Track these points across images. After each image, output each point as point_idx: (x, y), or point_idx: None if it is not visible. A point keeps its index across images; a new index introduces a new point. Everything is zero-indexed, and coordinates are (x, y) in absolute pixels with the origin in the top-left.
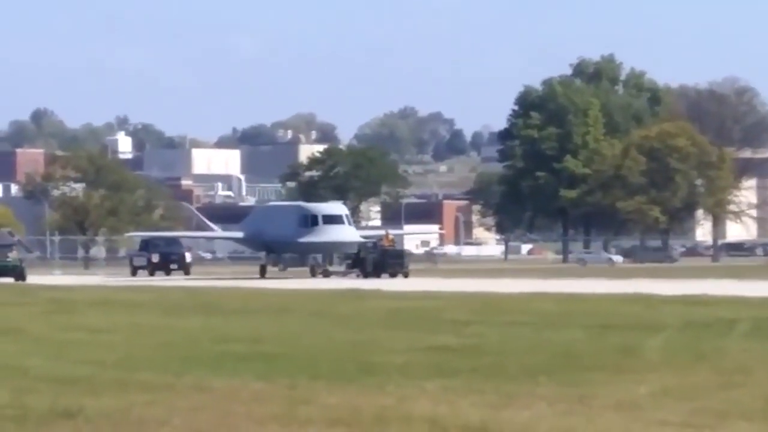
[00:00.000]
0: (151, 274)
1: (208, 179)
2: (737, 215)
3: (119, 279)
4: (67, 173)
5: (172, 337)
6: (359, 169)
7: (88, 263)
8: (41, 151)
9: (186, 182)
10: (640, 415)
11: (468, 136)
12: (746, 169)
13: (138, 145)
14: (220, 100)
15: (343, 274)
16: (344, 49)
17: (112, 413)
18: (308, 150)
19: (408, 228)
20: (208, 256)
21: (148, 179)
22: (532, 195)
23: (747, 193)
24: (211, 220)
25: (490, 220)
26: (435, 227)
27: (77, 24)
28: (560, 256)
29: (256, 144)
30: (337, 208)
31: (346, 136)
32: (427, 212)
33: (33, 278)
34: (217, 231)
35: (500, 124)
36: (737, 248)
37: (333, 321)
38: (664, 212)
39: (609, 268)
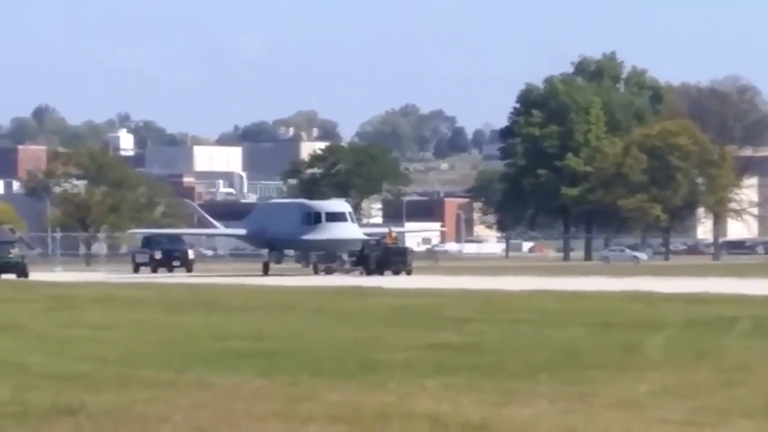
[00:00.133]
0: (154, 271)
1: (210, 176)
2: (738, 213)
3: (121, 276)
4: (68, 170)
5: (173, 334)
6: (361, 166)
7: (89, 260)
8: (43, 148)
9: (187, 179)
10: (641, 414)
11: (469, 133)
12: (747, 167)
13: (139, 143)
14: (221, 97)
15: (346, 272)
16: (346, 47)
17: (114, 410)
18: (310, 147)
19: (409, 225)
20: (210, 253)
21: (150, 176)
22: (534, 193)
23: (748, 191)
24: (212, 218)
25: (492, 218)
26: (436, 225)
27: (79, 22)
28: (561, 254)
29: (258, 141)
30: (340, 205)
31: (347, 134)
32: (428, 210)
33: (34, 275)
34: (220, 228)
35: (502, 121)
36: (738, 246)
37: (335, 318)
38: (665, 210)
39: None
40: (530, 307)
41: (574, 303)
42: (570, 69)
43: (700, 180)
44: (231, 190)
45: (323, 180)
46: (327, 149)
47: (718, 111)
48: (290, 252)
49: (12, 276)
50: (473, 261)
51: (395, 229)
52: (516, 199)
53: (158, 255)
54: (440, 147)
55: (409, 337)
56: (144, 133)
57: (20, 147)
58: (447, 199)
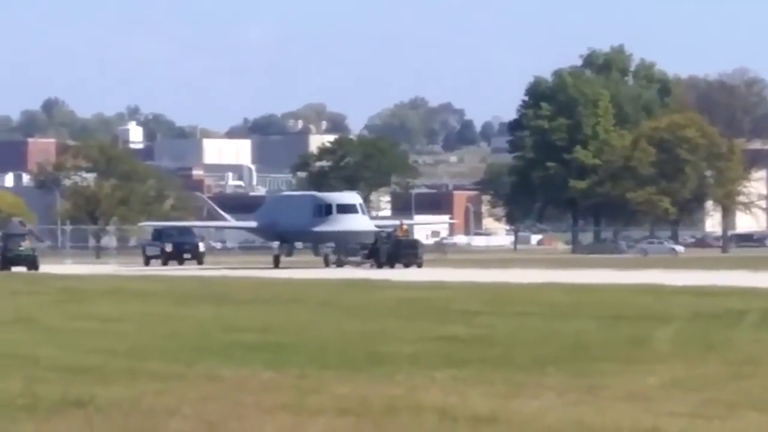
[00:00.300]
0: (165, 263)
1: (219, 169)
2: (747, 206)
3: (131, 268)
4: (78, 163)
5: (182, 327)
6: (369, 159)
7: (99, 253)
8: (52, 140)
9: (197, 172)
10: (650, 406)
11: (478, 126)
12: (756, 160)
13: (149, 135)
14: (230, 90)
15: (357, 264)
16: (355, 40)
17: (123, 402)
18: (319, 140)
19: (418, 218)
20: (219, 245)
21: (159, 169)
22: (542, 185)
23: (756, 184)
24: (221, 210)
25: (500, 211)
26: (445, 218)
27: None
28: (570, 246)
29: (267, 134)
30: (351, 197)
31: (356, 127)
32: (437, 202)
33: (45, 267)
34: (231, 221)
35: (510, 114)
36: (747, 239)
37: (343, 311)
38: (674, 203)
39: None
40: (539, 299)
41: (582, 296)
42: (579, 62)
43: (708, 173)
44: (240, 182)
45: (332, 173)
46: (336, 142)
47: (727, 104)
48: (299, 244)
49: (23, 268)
50: (482, 254)
51: (406, 222)
52: (525, 191)
53: (169, 248)
54: (449, 140)
55: (418, 329)
56: (153, 126)
57: (30, 140)
58: (456, 192)
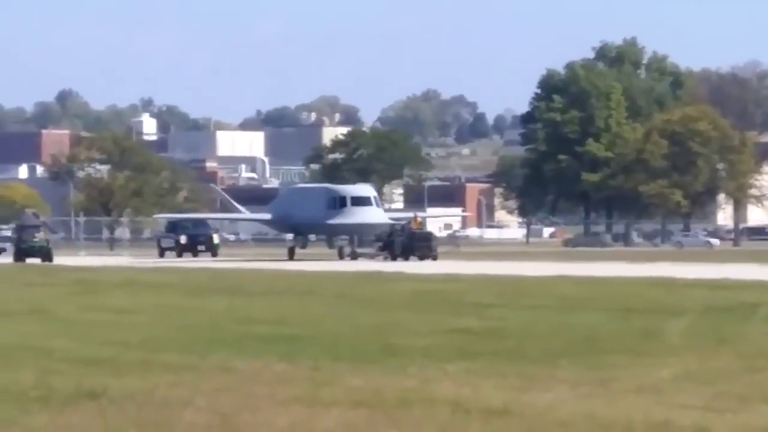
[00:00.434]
0: (179, 255)
1: (232, 161)
2: (759, 199)
3: (146, 260)
4: (92, 155)
5: (196, 319)
6: (382, 151)
7: (112, 244)
8: (66, 132)
9: (210, 164)
10: (662, 399)
11: (491, 119)
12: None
13: (162, 127)
14: (244, 82)
15: (371, 257)
16: (368, 32)
17: (136, 394)
18: (332, 132)
19: (431, 211)
20: (232, 237)
21: (173, 161)
22: (555, 178)
23: None
24: (235, 202)
25: (513, 203)
26: (458, 210)
27: (102, 6)
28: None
29: (280, 126)
30: (365, 189)
31: (369, 119)
32: (449, 195)
33: (58, 259)
34: (245, 213)
35: (523, 107)
36: (759, 232)
37: (356, 303)
38: (686, 196)
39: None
40: (551, 292)
41: (594, 288)
42: (591, 54)
43: (720, 166)
44: (253, 175)
45: (345, 165)
46: (349, 134)
47: (739, 97)
48: (312, 236)
49: (37, 260)
50: (494, 246)
51: (420, 214)
52: (537, 184)
53: (183, 240)
54: (461, 132)
55: (431, 322)
56: (167, 118)
57: (44, 131)
58: (468, 185)
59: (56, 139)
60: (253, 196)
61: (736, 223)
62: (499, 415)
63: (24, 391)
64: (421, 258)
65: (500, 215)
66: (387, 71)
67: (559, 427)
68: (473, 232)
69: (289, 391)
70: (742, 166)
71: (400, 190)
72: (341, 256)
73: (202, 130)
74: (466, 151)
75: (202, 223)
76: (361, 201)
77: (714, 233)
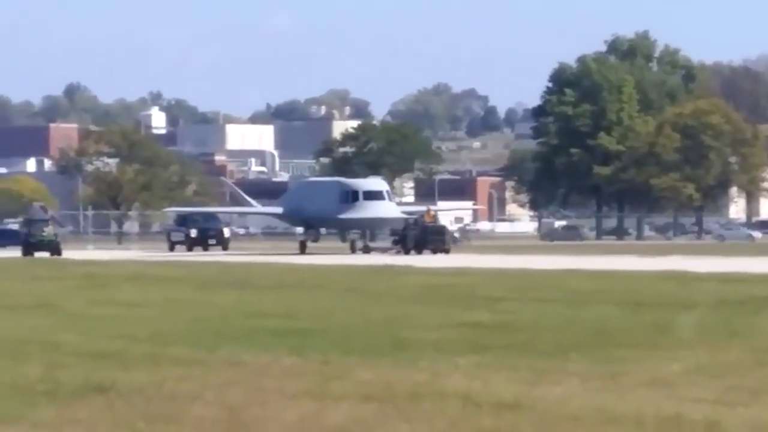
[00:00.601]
0: (189, 249)
1: (242, 155)
2: None
3: (155, 254)
4: (100, 148)
5: (205, 312)
6: (393, 145)
7: (121, 238)
8: (75, 126)
9: (219, 158)
10: (673, 393)
11: (502, 112)
12: None
13: (171, 121)
14: (253, 75)
15: (383, 251)
16: (378, 25)
17: (145, 388)
18: (342, 126)
19: (442, 204)
20: (242, 231)
21: (182, 155)
22: (566, 172)
23: None
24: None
25: (524, 197)
26: (469, 204)
27: None
28: (593, 233)
29: (290, 120)
30: (377, 183)
31: (379, 113)
32: (460, 189)
33: (66, 253)
34: (257, 207)
35: (534, 100)
36: None
37: (367, 297)
38: (698, 189)
39: (748, 244)
40: (562, 286)
41: (606, 282)
42: (603, 48)
43: (732, 159)
44: (263, 168)
45: (355, 159)
46: (359, 128)
47: (751, 90)
48: (322, 230)
49: (46, 254)
50: (506, 240)
51: (432, 208)
52: (548, 178)
53: (194, 233)
54: (472, 126)
55: (441, 315)
56: (176, 112)
57: (52, 125)
58: (479, 178)
59: (64, 132)
60: (263, 190)
61: (749, 216)
62: (509, 409)
63: (31, 384)
64: (434, 252)
65: (511, 209)
66: (397, 65)
67: (570, 421)
68: (484, 225)
69: (299, 384)
70: (755, 159)
71: (411, 184)
72: (353, 250)
73: (211, 124)
74: (477, 144)
75: (212, 216)
76: (373, 195)
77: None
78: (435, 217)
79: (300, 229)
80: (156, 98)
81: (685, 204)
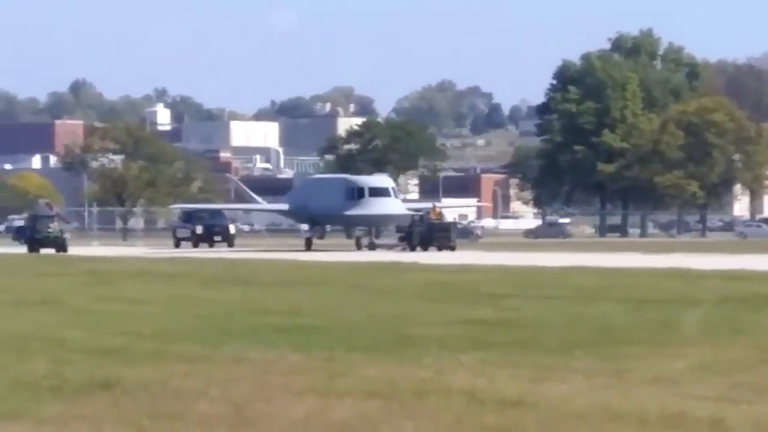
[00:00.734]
0: (195, 246)
1: (247, 152)
2: None
3: (160, 250)
4: (105, 145)
5: (210, 309)
6: (397, 142)
7: (126, 235)
8: (80, 122)
9: (224, 154)
10: (677, 390)
11: (506, 110)
12: None
13: (176, 118)
14: (258, 72)
15: (389, 248)
16: (383, 23)
17: (150, 384)
18: (346, 123)
19: (446, 201)
20: (246, 228)
21: (187, 151)
22: (570, 169)
23: None
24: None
25: (528, 194)
26: (473, 201)
27: None
28: (594, 230)
29: (295, 117)
30: (383, 180)
31: (384, 110)
32: (464, 186)
33: (71, 249)
34: (262, 203)
35: (538, 98)
36: None
37: (372, 294)
38: (702, 187)
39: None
40: (567, 283)
41: (610, 279)
42: (607, 45)
43: (736, 157)
44: (268, 165)
45: (360, 156)
46: (364, 125)
47: (755, 88)
48: (328, 227)
49: (51, 250)
50: (510, 237)
51: (438, 205)
52: (552, 175)
53: (199, 230)
54: (477, 123)
55: (446, 312)
56: (181, 108)
57: (57, 122)
58: (483, 175)
59: (70, 129)
60: (268, 187)
61: (753, 214)
62: (514, 406)
63: (37, 381)
64: (440, 248)
65: (516, 206)
66: (402, 62)
67: (574, 418)
68: (489, 222)
69: (304, 381)
70: (758, 157)
71: (415, 181)
72: (359, 247)
73: (216, 121)
74: (481, 141)
75: (218, 213)
76: (379, 192)
77: (730, 224)
78: (441, 214)
79: (305, 226)
80: (161, 95)
81: (689, 201)
